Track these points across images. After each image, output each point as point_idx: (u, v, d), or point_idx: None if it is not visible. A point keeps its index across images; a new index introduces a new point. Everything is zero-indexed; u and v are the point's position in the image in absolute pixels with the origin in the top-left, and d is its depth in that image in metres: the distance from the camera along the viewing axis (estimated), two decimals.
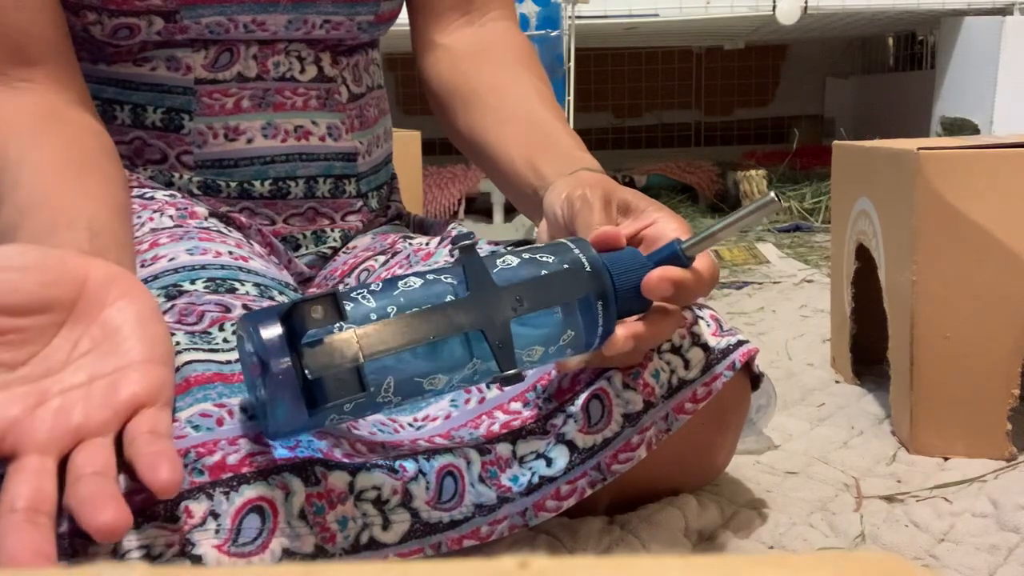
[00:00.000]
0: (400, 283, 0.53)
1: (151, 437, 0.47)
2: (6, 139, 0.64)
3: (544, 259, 0.56)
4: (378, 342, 0.50)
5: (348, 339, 0.49)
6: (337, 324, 0.49)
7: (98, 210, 0.60)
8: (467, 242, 0.54)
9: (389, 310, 0.51)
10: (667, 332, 0.60)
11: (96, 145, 0.67)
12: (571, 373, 0.65)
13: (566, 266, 0.56)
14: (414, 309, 0.52)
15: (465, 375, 0.54)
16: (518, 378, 0.53)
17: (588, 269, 0.56)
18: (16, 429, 0.45)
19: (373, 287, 0.53)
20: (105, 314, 0.50)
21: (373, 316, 0.51)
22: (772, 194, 0.55)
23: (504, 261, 0.56)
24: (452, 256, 0.54)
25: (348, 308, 0.51)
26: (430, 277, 0.54)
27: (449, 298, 0.53)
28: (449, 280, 0.54)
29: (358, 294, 0.52)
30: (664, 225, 0.61)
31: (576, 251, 0.57)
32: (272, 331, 0.48)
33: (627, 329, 0.57)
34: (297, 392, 0.48)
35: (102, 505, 0.42)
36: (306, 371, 0.48)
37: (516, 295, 0.54)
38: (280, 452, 0.54)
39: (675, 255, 0.57)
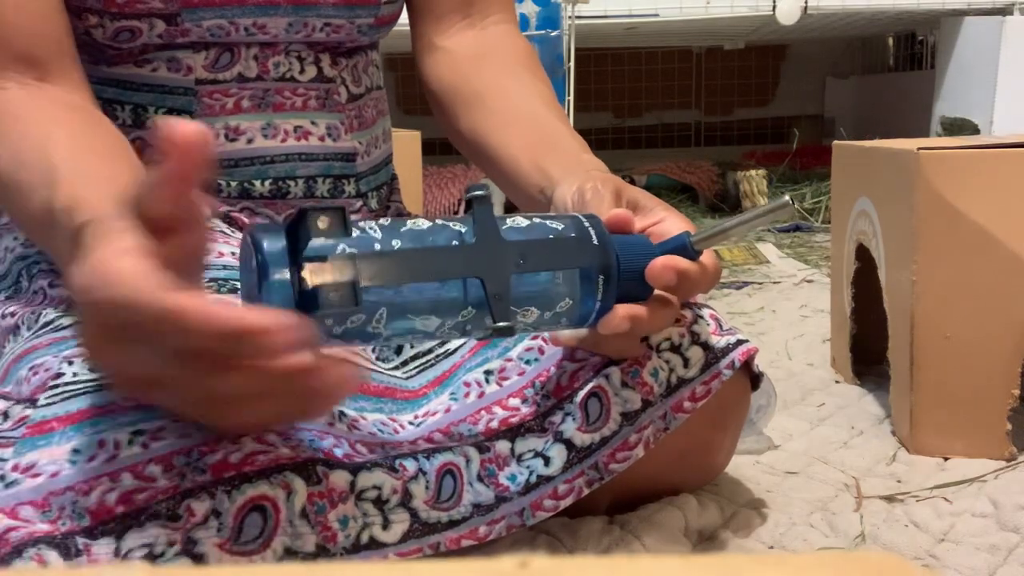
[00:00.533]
0: (409, 222, 0.54)
1: None
2: (42, 125, 0.64)
3: (554, 225, 0.57)
4: (377, 269, 0.50)
5: (348, 260, 0.50)
6: (340, 246, 0.49)
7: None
8: (480, 192, 0.54)
9: (394, 243, 0.52)
10: (664, 322, 0.60)
11: (126, 143, 0.68)
12: (569, 370, 0.65)
13: (574, 235, 0.56)
14: (418, 247, 0.52)
15: (458, 322, 0.54)
16: (510, 331, 0.53)
17: (595, 243, 0.57)
18: None
19: (382, 222, 0.53)
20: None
21: (377, 247, 0.51)
22: (787, 197, 0.55)
23: (514, 220, 0.56)
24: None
25: (354, 233, 0.51)
26: (439, 222, 0.54)
27: (454, 243, 0.53)
28: (457, 227, 0.54)
29: (366, 224, 0.53)
30: (671, 224, 0.61)
31: (587, 224, 0.57)
32: (275, 243, 0.49)
33: (626, 309, 0.57)
34: (291, 302, 0.48)
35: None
36: (303, 281, 0.48)
37: (521, 251, 0.54)
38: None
39: (683, 247, 0.58)
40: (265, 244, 0.49)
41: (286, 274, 0.48)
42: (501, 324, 0.53)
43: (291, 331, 0.42)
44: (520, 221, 0.56)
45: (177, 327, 0.42)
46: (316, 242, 0.49)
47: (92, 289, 0.44)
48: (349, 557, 0.55)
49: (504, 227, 0.55)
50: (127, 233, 0.45)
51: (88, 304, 0.46)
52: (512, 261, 0.54)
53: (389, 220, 0.54)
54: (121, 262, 0.44)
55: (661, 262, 0.57)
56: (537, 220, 0.57)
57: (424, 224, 0.54)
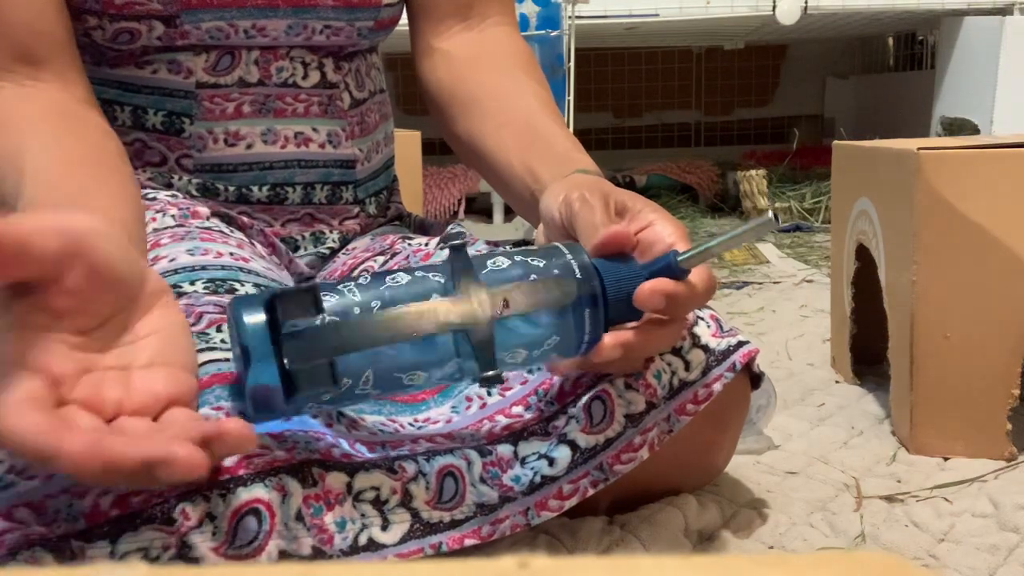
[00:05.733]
0: (388, 278, 0.54)
1: (195, 419, 0.48)
2: (22, 134, 0.64)
3: (535, 263, 0.56)
4: (357, 336, 0.51)
5: (325, 333, 0.50)
6: (320, 316, 0.50)
7: (127, 212, 0.60)
8: (457, 241, 0.54)
9: (373, 304, 0.52)
10: (662, 342, 0.59)
11: (112, 146, 0.67)
12: (572, 376, 0.65)
13: (556, 272, 0.56)
14: (398, 306, 0.52)
15: (446, 372, 0.54)
16: (498, 380, 0.53)
17: (578, 276, 0.56)
18: (65, 384, 0.45)
19: (361, 280, 0.54)
20: (146, 318, 0.50)
21: (356, 310, 0.52)
22: (770, 214, 0.54)
23: (495, 262, 0.56)
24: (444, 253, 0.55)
25: (333, 300, 0.52)
26: (418, 274, 0.54)
27: (435, 297, 0.53)
28: (437, 278, 0.54)
29: (344, 287, 0.53)
30: (660, 228, 0.60)
31: (568, 256, 0.57)
32: (255, 318, 0.49)
33: (615, 338, 0.57)
34: (276, 380, 0.49)
35: (177, 443, 0.42)
36: (284, 361, 0.49)
37: (502, 297, 0.54)
38: (266, 427, 0.54)
39: (669, 267, 0.56)
40: (247, 325, 0.50)
41: (269, 361, 0.49)
42: (488, 373, 0.53)
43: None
44: (501, 261, 0.56)
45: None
46: (293, 322, 0.50)
47: None
48: (347, 559, 0.55)
49: (485, 271, 0.55)
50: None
51: None
52: (493, 308, 0.53)
53: (368, 278, 0.54)
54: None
55: (648, 287, 0.55)
56: (519, 258, 0.56)
57: (403, 278, 0.54)
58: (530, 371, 0.66)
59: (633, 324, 0.58)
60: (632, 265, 0.58)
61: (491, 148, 0.75)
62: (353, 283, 0.53)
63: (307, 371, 0.50)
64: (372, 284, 0.53)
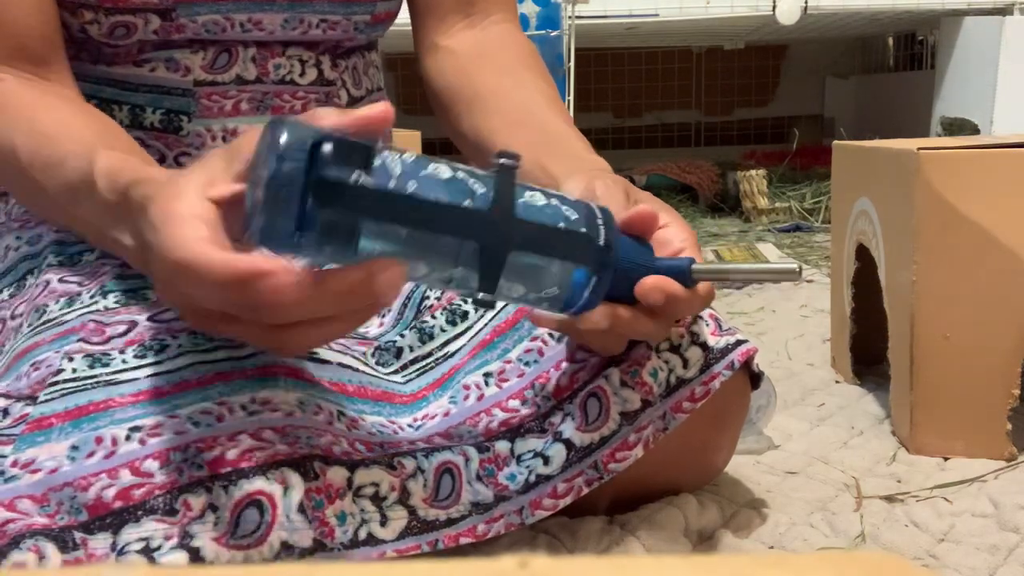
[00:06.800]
0: (432, 165, 0.52)
1: None
2: (41, 113, 0.66)
3: (567, 212, 0.56)
4: (384, 209, 0.50)
5: (359, 193, 0.49)
6: (359, 174, 0.49)
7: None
8: (510, 162, 0.54)
9: (409, 185, 0.51)
10: (649, 330, 0.59)
11: (119, 127, 0.69)
12: (568, 371, 0.65)
13: (583, 230, 0.56)
14: (433, 196, 0.51)
15: (444, 276, 0.53)
16: (491, 305, 0.53)
17: (601, 244, 0.56)
18: None
19: (407, 157, 0.52)
20: None
21: (391, 184, 0.50)
22: (796, 265, 0.55)
23: (533, 196, 0.56)
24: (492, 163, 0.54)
25: (376, 163, 0.50)
26: (460, 175, 0.53)
27: (467, 202, 0.52)
28: (476, 186, 0.53)
29: (390, 157, 0.51)
30: (673, 232, 0.61)
31: (599, 220, 0.57)
32: (296, 136, 0.48)
33: (608, 309, 0.57)
34: (293, 205, 0.47)
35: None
36: (309, 201, 0.48)
37: (526, 232, 0.54)
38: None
39: (681, 272, 0.57)
40: (284, 155, 0.48)
41: (294, 196, 0.47)
42: (484, 297, 0.53)
43: (289, 273, 0.45)
44: (538, 198, 0.56)
45: (191, 280, 0.46)
46: (334, 170, 0.48)
47: (152, 244, 0.49)
48: (347, 553, 0.55)
49: (520, 200, 0.55)
50: (184, 197, 0.49)
51: (150, 252, 0.49)
52: (516, 239, 0.53)
53: (414, 157, 0.53)
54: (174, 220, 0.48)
55: (651, 282, 0.56)
56: (555, 201, 0.56)
57: (446, 172, 0.52)
58: (527, 365, 0.66)
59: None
60: (649, 253, 0.58)
61: (500, 145, 0.75)
62: (399, 156, 0.52)
63: (327, 222, 0.48)
64: (415, 165, 0.52)
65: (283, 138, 0.47)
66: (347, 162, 0.48)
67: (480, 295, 0.53)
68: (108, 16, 0.72)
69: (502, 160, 0.53)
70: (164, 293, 0.52)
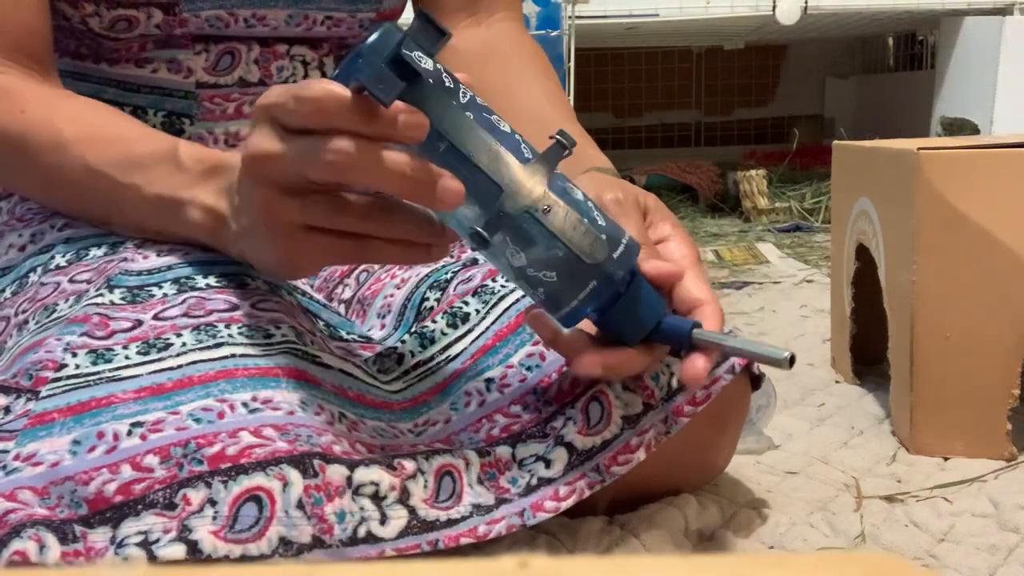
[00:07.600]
0: (493, 117, 0.55)
1: None
2: (61, 98, 0.68)
3: (597, 215, 0.56)
4: (443, 111, 0.53)
5: (426, 90, 0.52)
6: (429, 78, 0.52)
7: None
8: (565, 140, 0.55)
9: (468, 114, 0.54)
10: (635, 368, 0.60)
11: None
12: (570, 375, 0.65)
13: (604, 237, 0.56)
14: (484, 133, 0.54)
15: (458, 207, 0.55)
16: (485, 243, 0.54)
17: (615, 256, 0.56)
18: None
19: (477, 99, 0.55)
20: None
21: (454, 102, 0.53)
22: (788, 354, 0.55)
23: (571, 185, 0.57)
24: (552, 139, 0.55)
25: (448, 80, 0.54)
26: (518, 137, 0.55)
27: (511, 156, 0.54)
28: (524, 149, 0.55)
29: (460, 89, 0.54)
30: (674, 247, 0.61)
31: (624, 241, 0.57)
32: (386, 43, 0.51)
33: (602, 358, 0.58)
34: (384, 60, 0.51)
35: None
36: (403, 51, 0.51)
37: (556, 205, 0.54)
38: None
39: (680, 338, 0.57)
40: (381, 39, 0.52)
41: (387, 54, 0.51)
42: (483, 232, 0.54)
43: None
44: (577, 194, 0.56)
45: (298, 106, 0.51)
46: (417, 54, 0.52)
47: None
48: (346, 550, 0.55)
49: (560, 180, 0.56)
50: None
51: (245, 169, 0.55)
52: (541, 203, 0.54)
53: (481, 102, 0.55)
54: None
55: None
56: (590, 203, 0.57)
57: (505, 128, 0.55)
58: (525, 348, 0.66)
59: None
60: (661, 305, 0.58)
61: None
62: (470, 93, 0.54)
63: (422, 69, 0.52)
64: (480, 107, 0.55)
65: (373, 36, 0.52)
66: (424, 51, 0.52)
67: (480, 230, 0.54)
68: (110, 9, 0.72)
69: (559, 139, 0.55)
70: (249, 211, 0.56)
